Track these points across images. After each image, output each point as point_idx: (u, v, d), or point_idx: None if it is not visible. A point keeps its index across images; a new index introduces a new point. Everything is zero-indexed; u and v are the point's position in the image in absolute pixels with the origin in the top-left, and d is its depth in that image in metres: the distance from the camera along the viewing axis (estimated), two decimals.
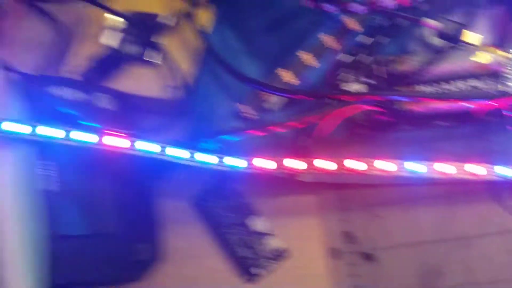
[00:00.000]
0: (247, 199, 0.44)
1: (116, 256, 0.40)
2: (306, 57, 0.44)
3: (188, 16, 0.46)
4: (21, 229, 0.37)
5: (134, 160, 0.40)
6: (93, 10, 0.47)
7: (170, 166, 0.41)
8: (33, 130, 0.39)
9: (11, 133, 0.38)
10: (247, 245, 0.43)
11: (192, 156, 0.40)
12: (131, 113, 0.45)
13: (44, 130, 0.39)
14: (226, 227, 0.44)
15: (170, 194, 0.45)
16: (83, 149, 0.40)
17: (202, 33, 0.45)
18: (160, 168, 0.43)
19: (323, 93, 0.42)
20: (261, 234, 0.43)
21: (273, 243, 0.43)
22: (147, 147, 0.40)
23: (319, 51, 0.45)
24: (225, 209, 0.44)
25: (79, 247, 0.39)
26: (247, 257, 0.43)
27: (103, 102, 0.44)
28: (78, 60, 0.46)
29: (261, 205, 0.44)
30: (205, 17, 0.46)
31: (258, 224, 0.44)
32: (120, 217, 0.40)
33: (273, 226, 0.44)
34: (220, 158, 0.40)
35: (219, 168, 0.41)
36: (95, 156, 0.40)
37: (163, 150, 0.40)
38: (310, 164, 0.40)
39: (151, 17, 0.47)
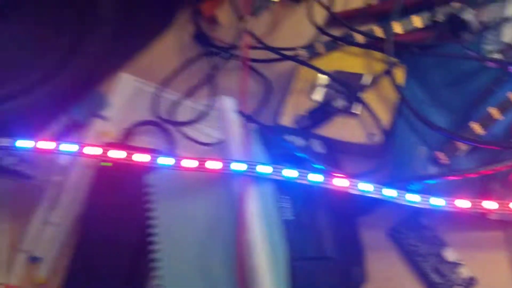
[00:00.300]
0: (438, 232, 0.53)
1: (335, 277, 0.49)
2: (493, 111, 0.53)
3: (386, 74, 0.56)
4: (268, 250, 0.47)
5: (348, 196, 0.50)
6: (306, 69, 0.58)
7: (376, 203, 0.51)
8: (273, 171, 0.49)
9: (259, 173, 0.49)
10: (440, 273, 0.51)
11: (400, 195, 0.49)
12: (338, 156, 0.55)
13: (281, 171, 0.49)
14: (419, 256, 0.52)
15: (371, 225, 0.54)
16: (310, 186, 0.50)
17: (397, 88, 0.54)
18: (366, 203, 0.52)
19: (509, 143, 0.50)
20: (452, 264, 0.52)
21: (464, 272, 0.51)
22: (361, 187, 0.49)
23: (505, 106, 0.53)
24: (418, 240, 0.53)
25: (308, 267, 0.49)
26: (440, 283, 0.51)
27: (317, 147, 0.54)
28: (293, 111, 0.57)
29: (451, 238, 0.52)
30: (399, 75, 0.56)
31: (449, 254, 0.52)
32: (336, 244, 0.50)
33: (462, 257, 0.52)
34: (424, 197, 0.49)
35: (422, 206, 0.49)
36: (318, 192, 0.50)
37: (377, 189, 0.49)
38: (502, 205, 0.48)
39: (354, 76, 0.57)
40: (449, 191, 0.50)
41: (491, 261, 0.51)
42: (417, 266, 0.52)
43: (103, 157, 0.51)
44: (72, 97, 0.65)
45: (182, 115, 0.64)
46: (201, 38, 0.67)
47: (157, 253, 0.50)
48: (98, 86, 0.66)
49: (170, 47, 0.68)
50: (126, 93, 0.66)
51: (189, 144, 0.62)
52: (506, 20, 0.55)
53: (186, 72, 0.66)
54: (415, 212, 0.52)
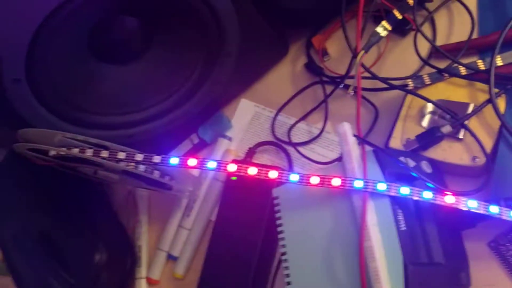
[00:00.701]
0: None
1: (444, 280, 0.56)
2: None
3: (488, 103, 0.63)
4: (385, 255, 0.55)
5: (453, 211, 0.57)
6: (413, 98, 0.66)
7: (479, 217, 0.58)
8: (388, 188, 0.57)
9: (376, 190, 0.57)
10: None
11: (502, 212, 0.56)
12: (443, 176, 0.63)
13: (396, 188, 0.57)
14: None
15: (474, 238, 0.61)
16: (420, 202, 0.57)
17: (499, 115, 0.61)
18: (470, 218, 0.59)
19: None
20: None
21: None
22: (466, 203, 0.56)
23: None
24: None
25: (420, 272, 0.56)
26: None
27: (425, 167, 0.62)
28: (404, 135, 0.64)
29: None
30: (500, 104, 0.63)
31: None
32: (445, 251, 0.57)
33: None
34: None
35: None
36: (427, 206, 0.57)
37: (481, 206, 0.56)
38: None
39: (459, 104, 0.64)
40: None
41: None
42: None
43: (239, 173, 0.60)
44: (200, 120, 0.75)
45: (297, 137, 0.73)
46: (312, 68, 0.75)
47: (285, 258, 0.58)
48: (222, 110, 0.76)
49: (284, 75, 0.77)
50: (247, 116, 0.76)
51: (304, 163, 0.71)
52: None
53: (299, 98, 0.75)
54: None
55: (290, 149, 0.71)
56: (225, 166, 0.59)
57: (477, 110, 0.61)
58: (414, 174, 0.56)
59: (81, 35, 0.59)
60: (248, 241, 0.65)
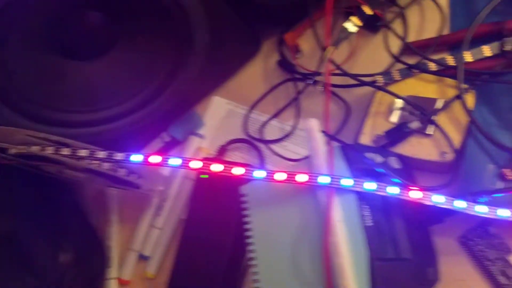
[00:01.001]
0: (505, 240, 0.59)
1: (411, 275, 0.56)
2: None
3: (457, 98, 0.62)
4: (350, 251, 0.55)
5: (421, 206, 0.57)
6: (382, 94, 0.66)
7: (447, 212, 0.57)
8: (355, 184, 0.56)
9: (342, 185, 0.56)
10: (506, 275, 0.57)
11: (469, 206, 0.56)
12: (413, 172, 0.63)
13: (361, 183, 0.57)
14: (488, 260, 0.58)
15: (443, 233, 0.61)
16: (388, 197, 0.57)
17: (467, 111, 0.61)
18: (437, 213, 0.59)
19: None
20: None
21: None
22: (433, 198, 0.56)
23: None
24: (486, 246, 0.59)
25: (386, 267, 0.56)
26: (506, 284, 0.57)
27: (394, 163, 0.61)
28: (372, 131, 0.64)
29: None
30: (469, 100, 0.62)
31: None
32: (412, 246, 0.56)
33: None
34: (492, 209, 0.55)
35: (490, 216, 0.55)
36: (394, 202, 0.57)
37: (448, 201, 0.56)
38: None
39: (428, 100, 0.64)
40: None
41: None
42: (485, 269, 0.59)
43: (204, 170, 0.59)
44: (171, 118, 0.74)
45: (269, 134, 0.72)
46: (285, 65, 0.75)
47: (253, 255, 0.58)
48: (194, 108, 0.76)
49: (257, 73, 0.76)
50: (219, 114, 0.75)
51: (276, 160, 0.70)
52: None
53: (272, 95, 0.74)
54: (484, 222, 0.59)
55: (263, 147, 0.70)
56: (188, 163, 0.58)
57: (446, 105, 0.61)
58: (380, 170, 0.55)
59: (43, 31, 0.58)
60: (219, 240, 0.65)
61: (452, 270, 0.59)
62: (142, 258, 0.70)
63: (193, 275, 0.65)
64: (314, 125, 0.56)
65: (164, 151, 0.74)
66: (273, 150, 0.70)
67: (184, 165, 0.59)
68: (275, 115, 0.72)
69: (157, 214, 0.70)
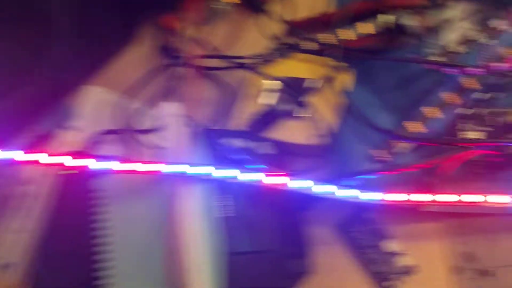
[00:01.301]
0: (381, 225, 0.55)
1: (274, 269, 0.51)
2: (431, 111, 0.55)
3: (331, 79, 0.58)
4: (203, 246, 0.49)
5: (289, 193, 0.52)
6: (252, 75, 0.61)
7: (317, 199, 0.53)
8: (214, 171, 0.51)
9: (197, 174, 0.51)
10: (381, 262, 0.54)
11: (336, 191, 0.51)
12: (286, 157, 0.58)
13: (221, 172, 0.52)
14: (363, 248, 0.54)
15: (317, 221, 0.56)
16: (251, 185, 0.52)
17: (344, 91, 0.57)
18: (309, 200, 0.54)
19: (446, 140, 0.52)
20: (393, 254, 0.54)
21: (403, 261, 0.53)
22: (300, 184, 0.52)
23: (442, 106, 0.55)
24: (362, 233, 0.55)
25: (246, 262, 0.51)
26: (380, 272, 0.53)
27: (265, 148, 0.57)
28: (243, 115, 0.59)
29: (392, 230, 0.55)
30: (347, 78, 0.58)
31: (390, 245, 0.54)
32: (277, 238, 0.52)
33: (403, 247, 0.54)
34: (359, 193, 0.51)
35: (358, 200, 0.51)
36: (260, 190, 0.52)
37: (315, 186, 0.51)
38: (435, 197, 0.51)
39: (300, 81, 0.59)
40: (389, 186, 0.52)
41: (429, 250, 0.55)
42: (359, 257, 0.56)
43: (55, 166, 0.53)
44: (37, 110, 0.67)
45: (146, 123, 0.66)
46: (164, 49, 0.69)
47: (110, 255, 0.53)
48: (64, 98, 0.69)
49: (134, 59, 0.70)
50: (92, 103, 0.69)
51: (147, 151, 0.64)
52: (444, 24, 0.58)
53: (154, 83, 0.68)
54: (358, 207, 0.54)
55: (136, 136, 0.64)
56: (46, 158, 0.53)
57: (320, 86, 0.57)
58: (236, 157, 0.50)
59: None
60: (81, 238, 0.58)
61: (329, 260, 0.56)
62: (3, 266, 0.63)
63: (59, 277, 0.59)
64: (169, 109, 0.50)
65: (33, 146, 0.67)
66: (139, 140, 0.64)
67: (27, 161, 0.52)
68: (151, 102, 0.66)
69: (14, 217, 0.63)
